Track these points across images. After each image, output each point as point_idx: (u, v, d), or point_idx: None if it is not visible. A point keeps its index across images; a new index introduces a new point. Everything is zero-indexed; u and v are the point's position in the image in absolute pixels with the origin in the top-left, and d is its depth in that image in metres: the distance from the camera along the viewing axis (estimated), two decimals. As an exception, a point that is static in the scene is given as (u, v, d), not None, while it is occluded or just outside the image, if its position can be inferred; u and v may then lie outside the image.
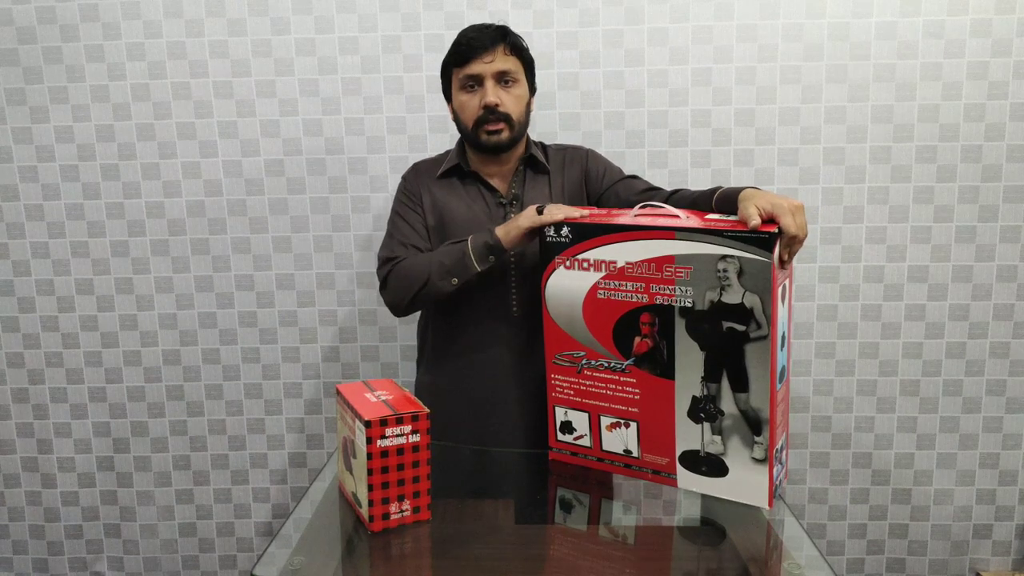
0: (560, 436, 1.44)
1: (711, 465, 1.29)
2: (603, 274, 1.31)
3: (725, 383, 1.24)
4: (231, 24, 1.98)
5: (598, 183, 1.64)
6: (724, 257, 1.20)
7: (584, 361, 1.37)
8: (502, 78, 1.53)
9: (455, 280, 1.49)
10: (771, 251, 1.16)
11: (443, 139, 2.02)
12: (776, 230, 1.18)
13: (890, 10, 1.92)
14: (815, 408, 2.11)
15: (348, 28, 1.98)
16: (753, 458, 1.25)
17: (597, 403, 1.37)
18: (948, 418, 2.10)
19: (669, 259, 1.25)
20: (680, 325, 1.26)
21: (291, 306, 2.12)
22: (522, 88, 1.57)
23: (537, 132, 2.00)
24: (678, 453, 1.32)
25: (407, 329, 2.11)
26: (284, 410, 2.17)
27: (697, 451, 1.30)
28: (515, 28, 1.93)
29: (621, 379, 1.34)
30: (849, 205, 2.01)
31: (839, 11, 1.93)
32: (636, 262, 1.28)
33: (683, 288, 1.24)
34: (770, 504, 1.26)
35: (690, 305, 1.24)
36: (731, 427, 1.25)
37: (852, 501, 2.15)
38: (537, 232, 1.41)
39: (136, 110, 2.02)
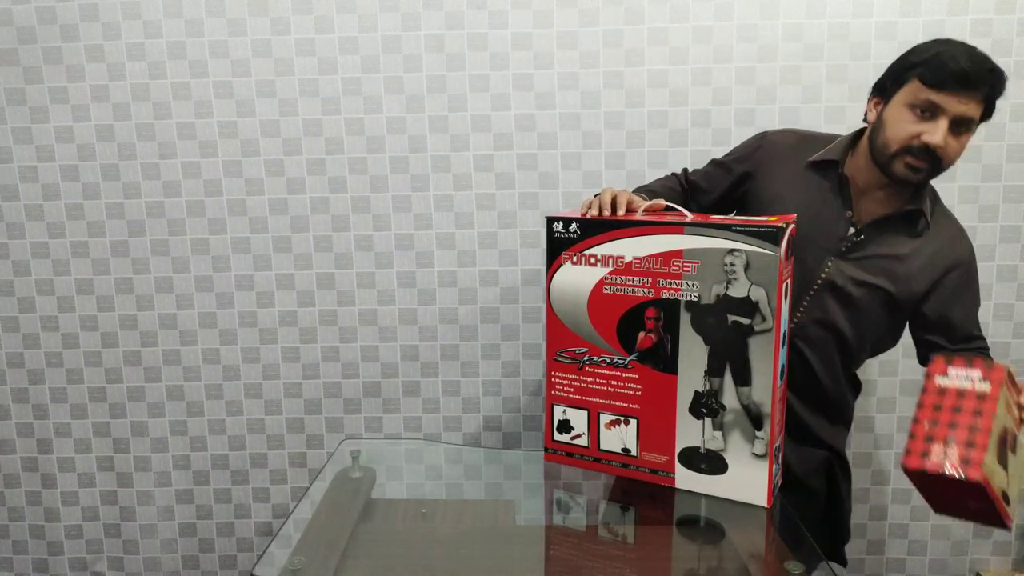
0: (557, 436, 1.44)
1: (710, 462, 1.29)
2: (610, 269, 1.32)
3: (728, 377, 1.24)
4: (231, 24, 1.98)
5: (929, 300, 1.45)
6: (732, 251, 1.20)
7: (586, 357, 1.37)
8: (959, 122, 1.31)
9: None
10: (778, 245, 1.17)
11: (443, 139, 2.02)
12: (783, 224, 1.18)
13: (890, 10, 1.92)
14: (815, 408, 2.10)
15: (348, 28, 1.98)
16: (754, 453, 1.25)
17: (597, 400, 1.37)
18: (948, 418, 2.09)
19: (677, 253, 1.25)
20: (685, 319, 1.26)
21: (291, 306, 2.11)
22: (969, 138, 1.35)
23: (537, 132, 2.00)
24: (677, 450, 1.32)
25: (407, 329, 2.11)
26: (284, 410, 2.16)
27: (697, 448, 1.30)
28: (515, 28, 1.95)
29: (623, 375, 1.34)
30: (849, 205, 2.01)
31: (839, 11, 1.93)
32: (644, 257, 1.28)
33: (690, 282, 1.25)
34: (769, 502, 1.26)
35: (696, 299, 1.25)
36: (732, 422, 1.26)
37: (852, 501, 2.14)
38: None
39: (136, 110, 2.02)
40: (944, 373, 1.14)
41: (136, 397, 2.16)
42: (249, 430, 2.17)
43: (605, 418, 1.38)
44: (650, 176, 1.96)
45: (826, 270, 1.44)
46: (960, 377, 1.13)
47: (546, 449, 1.46)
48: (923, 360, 1.50)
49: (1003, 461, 1.13)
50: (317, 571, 1.18)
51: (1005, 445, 1.14)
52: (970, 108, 1.29)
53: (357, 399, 2.16)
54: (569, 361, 1.39)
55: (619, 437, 1.37)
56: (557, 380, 1.42)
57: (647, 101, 1.99)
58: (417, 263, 2.08)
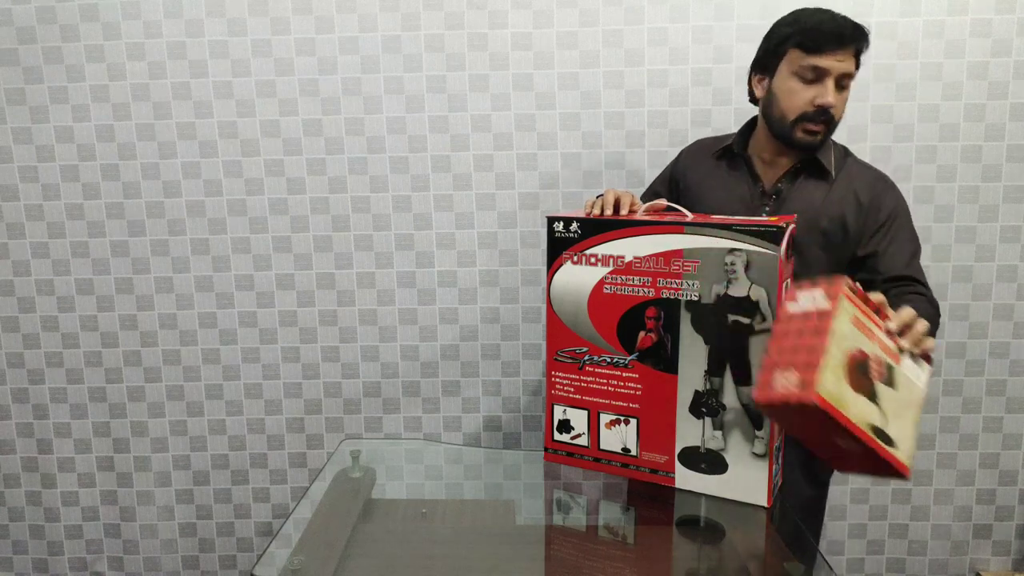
0: (557, 436, 1.44)
1: (710, 462, 1.29)
2: (610, 269, 1.32)
3: (728, 377, 1.24)
4: (231, 24, 1.98)
5: (861, 235, 1.49)
6: (732, 250, 1.20)
7: (586, 357, 1.37)
8: (841, 80, 1.40)
9: None
10: (779, 244, 1.17)
11: (443, 139, 2.02)
12: (784, 224, 1.18)
13: (890, 10, 1.92)
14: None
15: (348, 28, 1.98)
16: (754, 453, 1.25)
17: (597, 400, 1.37)
18: (948, 418, 2.10)
19: (677, 253, 1.25)
20: (685, 319, 1.26)
21: (291, 306, 2.11)
22: (849, 91, 1.45)
23: (537, 132, 2.00)
24: (677, 450, 1.32)
25: (407, 329, 2.11)
26: (284, 410, 2.16)
27: (697, 447, 1.30)
28: (515, 28, 1.95)
29: (623, 375, 1.34)
30: (849, 205, 2.01)
31: (839, 11, 1.92)
32: (644, 256, 1.28)
33: (690, 282, 1.25)
34: (769, 502, 1.26)
35: (696, 299, 1.25)
36: (732, 421, 1.26)
37: (852, 501, 2.15)
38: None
39: (136, 110, 2.02)
40: (793, 299, 1.08)
41: (136, 397, 2.16)
42: (249, 430, 2.17)
43: (605, 418, 1.38)
44: (650, 176, 1.96)
45: None
46: (805, 299, 1.07)
47: (546, 449, 1.46)
48: None
49: (867, 391, 1.02)
50: (317, 571, 1.17)
51: (866, 372, 1.03)
52: (848, 64, 1.39)
53: (357, 399, 2.16)
54: (569, 361, 1.39)
55: (619, 437, 1.37)
56: (557, 380, 1.42)
57: (647, 101, 1.99)
58: (417, 263, 2.08)
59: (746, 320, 1.21)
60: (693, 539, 1.30)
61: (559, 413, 1.43)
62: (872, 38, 1.91)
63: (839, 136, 1.97)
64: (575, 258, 1.35)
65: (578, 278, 1.35)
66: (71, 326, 2.13)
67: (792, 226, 1.24)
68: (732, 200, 1.52)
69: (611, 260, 1.31)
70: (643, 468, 1.36)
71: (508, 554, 1.25)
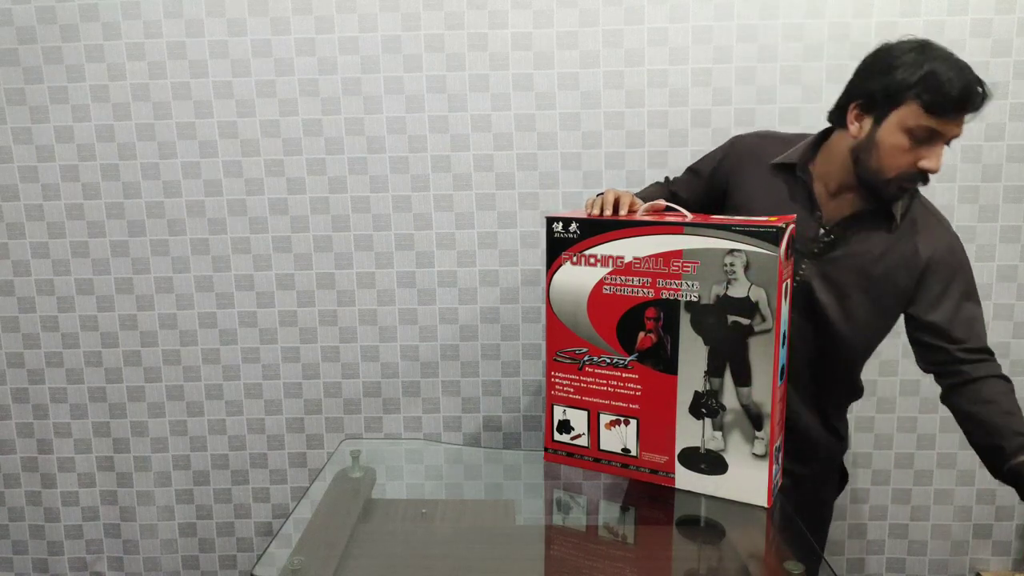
0: (557, 436, 1.44)
1: (710, 462, 1.29)
2: (610, 269, 1.32)
3: (728, 378, 1.24)
4: (231, 24, 1.98)
5: (916, 291, 1.41)
6: (732, 251, 1.20)
7: (586, 358, 1.37)
8: (948, 142, 1.29)
9: None
10: (778, 245, 1.17)
11: (443, 139, 2.02)
12: (783, 224, 1.18)
13: (890, 10, 1.92)
14: (815, 408, 2.10)
15: (348, 28, 1.98)
16: (754, 454, 1.25)
17: (597, 400, 1.37)
18: (948, 418, 2.08)
19: (677, 254, 1.25)
20: (685, 319, 1.26)
21: (291, 306, 2.11)
22: None
23: (537, 132, 2.00)
24: (677, 450, 1.32)
25: (407, 329, 2.11)
26: (284, 410, 2.17)
27: (697, 448, 1.30)
28: (515, 28, 1.95)
29: (623, 375, 1.34)
30: (849, 205, 2.01)
31: (839, 11, 1.93)
32: (643, 257, 1.28)
33: (689, 282, 1.25)
34: (769, 502, 1.26)
35: (696, 299, 1.25)
36: (732, 422, 1.26)
37: (852, 501, 2.15)
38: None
39: (136, 110, 2.02)
40: None
41: (136, 397, 2.16)
42: (249, 430, 2.17)
43: (605, 418, 1.38)
44: (650, 176, 1.96)
45: (800, 272, 1.42)
46: None
47: (546, 449, 1.46)
48: (922, 363, 1.47)
49: None
50: (317, 571, 1.17)
51: None
52: (962, 127, 1.28)
53: (357, 399, 2.16)
54: (569, 361, 1.39)
55: (619, 437, 1.37)
56: (557, 380, 1.42)
57: (647, 101, 1.99)
58: (417, 263, 2.08)
59: (746, 321, 1.21)
60: (693, 539, 1.30)
61: (559, 413, 1.43)
62: (872, 38, 1.92)
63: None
64: (574, 258, 1.35)
65: (577, 278, 1.35)
66: (71, 326, 2.13)
67: (792, 226, 1.24)
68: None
69: (610, 260, 1.31)
70: (643, 468, 1.36)
71: (508, 554, 1.25)
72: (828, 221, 1.41)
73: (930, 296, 1.39)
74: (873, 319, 1.44)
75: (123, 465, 2.20)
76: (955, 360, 1.39)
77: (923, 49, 1.27)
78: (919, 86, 1.24)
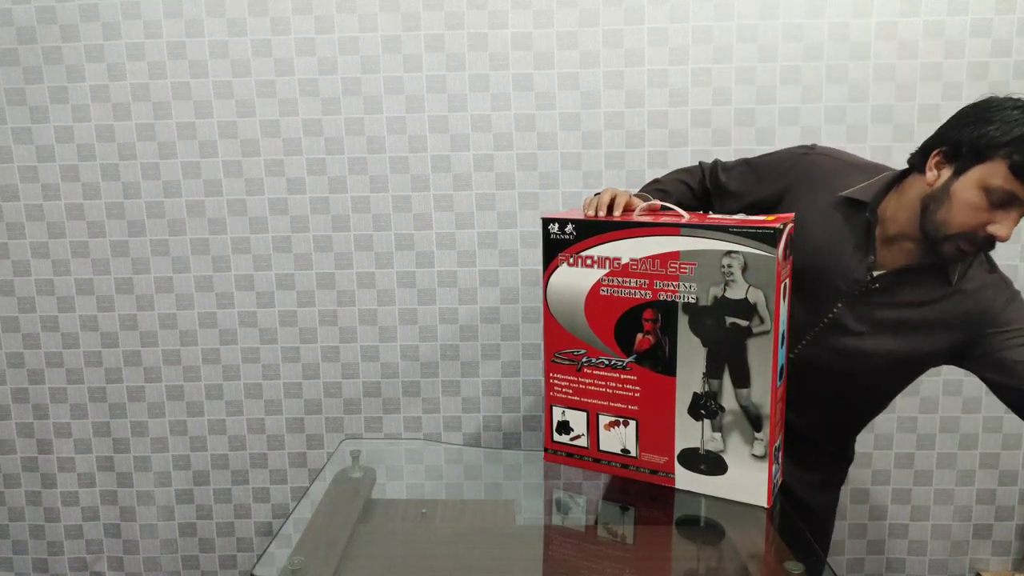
0: (556, 436, 1.44)
1: (710, 463, 1.29)
2: (607, 271, 1.31)
3: (727, 379, 1.24)
4: (231, 24, 1.98)
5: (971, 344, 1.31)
6: (729, 252, 1.20)
7: (584, 359, 1.37)
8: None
9: None
10: (775, 246, 1.17)
11: (443, 139, 2.02)
12: (780, 225, 1.18)
13: (890, 10, 1.92)
14: (815, 408, 2.10)
15: (348, 28, 1.98)
16: (753, 455, 1.25)
17: (596, 402, 1.37)
18: (948, 418, 2.10)
19: (674, 255, 1.25)
20: (683, 321, 1.26)
21: (291, 306, 2.11)
22: None
23: (537, 132, 2.00)
24: (677, 451, 1.32)
25: (407, 329, 2.11)
26: (284, 410, 2.17)
27: (696, 449, 1.30)
28: (515, 28, 1.95)
29: (621, 377, 1.34)
30: (849, 205, 2.01)
31: (839, 11, 1.93)
32: (640, 258, 1.28)
33: (687, 284, 1.25)
34: (769, 503, 1.26)
35: (694, 301, 1.25)
36: (731, 424, 1.25)
37: (852, 501, 2.15)
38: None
39: (136, 110, 2.02)
40: None
41: (136, 397, 2.17)
42: (249, 430, 2.18)
43: (604, 419, 1.38)
44: (650, 176, 1.96)
45: (835, 310, 1.36)
46: None
47: (546, 450, 1.46)
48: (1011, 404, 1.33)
49: None
50: (317, 571, 1.18)
51: None
52: None
53: (357, 399, 2.16)
54: (567, 363, 1.39)
55: (618, 438, 1.37)
56: (556, 381, 1.42)
57: (647, 101, 1.99)
58: (417, 263, 2.08)
59: (744, 322, 1.21)
60: (693, 539, 1.30)
61: (558, 414, 1.43)
62: (872, 38, 1.92)
63: (856, 144, 1.98)
64: (571, 260, 1.35)
65: (574, 280, 1.35)
66: (71, 326, 2.13)
67: (790, 226, 1.24)
68: (834, 262, 1.34)
69: (607, 262, 1.31)
70: (643, 469, 1.36)
71: (508, 554, 1.25)
72: (879, 267, 1.33)
73: (990, 343, 1.30)
74: (898, 363, 1.37)
75: (123, 465, 2.20)
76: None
77: (1018, 103, 1.18)
78: (1012, 145, 1.14)
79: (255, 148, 2.04)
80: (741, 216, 1.27)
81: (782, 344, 1.24)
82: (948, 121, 1.26)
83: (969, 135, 1.19)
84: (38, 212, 2.08)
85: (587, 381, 1.38)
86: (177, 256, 2.09)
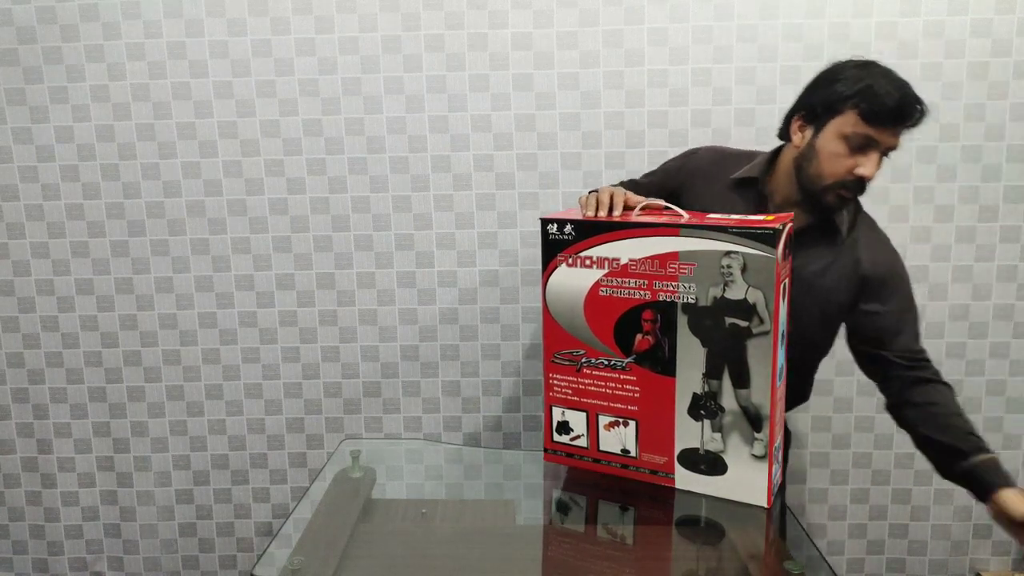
0: (556, 437, 1.44)
1: (710, 463, 1.29)
2: (606, 271, 1.31)
3: (726, 379, 1.24)
4: (231, 24, 1.98)
5: (857, 303, 1.47)
6: (728, 253, 1.20)
7: (584, 360, 1.37)
8: (886, 152, 1.36)
9: None
10: (775, 247, 1.16)
11: (443, 139, 2.02)
12: (780, 225, 1.18)
13: (890, 10, 1.92)
14: (815, 408, 2.10)
15: (348, 28, 1.98)
16: (753, 455, 1.25)
17: (596, 402, 1.37)
18: (948, 418, 2.09)
19: (673, 255, 1.25)
20: (682, 322, 1.26)
21: (291, 306, 2.11)
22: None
23: (537, 132, 2.00)
24: (677, 451, 1.32)
25: (407, 329, 2.11)
26: (284, 410, 2.17)
27: (696, 449, 1.30)
28: (515, 28, 1.95)
29: (621, 377, 1.34)
30: (849, 205, 2.01)
31: (839, 11, 1.93)
32: (640, 259, 1.28)
33: (686, 284, 1.25)
34: (769, 503, 1.26)
35: (693, 301, 1.25)
36: (731, 424, 1.25)
37: (852, 501, 2.15)
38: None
39: (136, 110, 2.02)
40: None
41: (136, 397, 2.17)
42: (249, 430, 2.18)
43: (604, 419, 1.38)
44: (650, 176, 1.96)
45: None
46: None
47: (546, 450, 1.46)
48: (866, 372, 1.53)
49: None
50: (317, 571, 1.18)
51: None
52: (898, 139, 1.34)
53: (357, 399, 2.16)
54: (567, 363, 1.39)
55: (618, 438, 1.37)
56: (555, 382, 1.42)
57: (647, 101, 1.99)
58: (417, 263, 2.08)
59: (743, 323, 1.21)
60: (693, 539, 1.30)
61: (558, 415, 1.43)
62: (872, 38, 1.92)
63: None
64: (570, 260, 1.35)
65: (573, 280, 1.35)
66: (71, 326, 2.13)
67: (789, 226, 1.24)
68: None
69: (606, 262, 1.31)
70: (643, 469, 1.36)
71: (508, 554, 1.25)
72: None
73: (870, 308, 1.46)
74: (817, 329, 1.50)
75: (123, 465, 2.20)
76: (897, 366, 1.44)
77: (865, 66, 1.35)
78: (858, 96, 1.31)
79: (255, 148, 2.04)
80: (740, 216, 1.27)
81: (782, 344, 1.24)
82: (801, 92, 1.44)
83: (821, 96, 1.37)
84: (38, 212, 2.08)
85: (586, 381, 1.38)
86: (177, 256, 2.09)
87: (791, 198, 1.44)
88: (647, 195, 1.55)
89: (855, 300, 1.46)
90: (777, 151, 1.50)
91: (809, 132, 1.39)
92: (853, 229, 1.46)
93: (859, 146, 1.33)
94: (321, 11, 1.97)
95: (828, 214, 1.42)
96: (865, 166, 1.33)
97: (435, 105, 2.00)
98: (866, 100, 1.31)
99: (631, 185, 1.67)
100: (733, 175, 1.50)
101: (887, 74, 1.34)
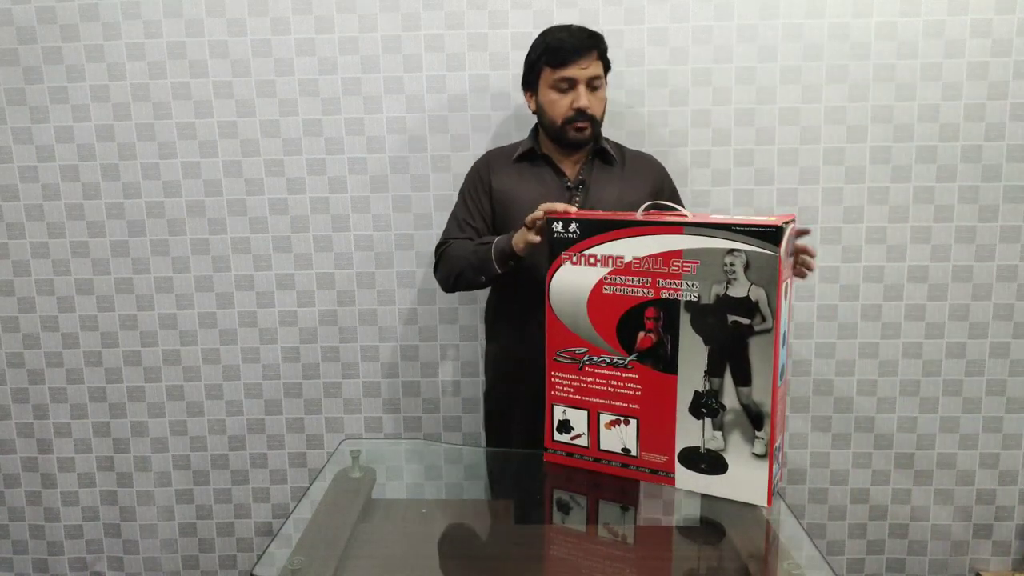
0: (557, 436, 1.44)
1: (711, 462, 1.29)
2: (609, 269, 1.32)
3: (728, 377, 1.24)
4: (231, 24, 1.98)
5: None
6: (731, 251, 1.20)
7: (586, 358, 1.37)
8: (591, 83, 1.64)
9: (483, 277, 1.63)
10: (778, 245, 1.17)
11: (443, 139, 2.02)
12: (783, 224, 1.18)
13: (890, 10, 1.92)
14: (815, 408, 2.11)
15: (348, 28, 1.98)
16: (754, 453, 1.25)
17: (597, 400, 1.37)
18: (948, 418, 2.10)
19: (676, 253, 1.25)
20: (685, 319, 1.26)
21: (291, 306, 2.11)
22: (604, 91, 1.70)
23: (537, 132, 2.00)
24: (677, 450, 1.32)
25: (407, 329, 2.11)
26: (284, 410, 2.17)
27: (697, 447, 1.30)
28: (515, 28, 1.95)
29: (623, 375, 1.34)
30: (849, 205, 2.01)
31: (839, 11, 1.93)
32: (643, 257, 1.28)
33: (689, 282, 1.25)
34: (769, 502, 1.26)
35: (696, 299, 1.25)
36: (732, 422, 1.25)
37: (852, 501, 2.15)
38: (544, 233, 1.40)
39: (136, 110, 2.02)
40: None
41: (136, 397, 2.16)
42: (249, 430, 2.17)
43: (605, 418, 1.37)
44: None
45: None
46: None
47: (546, 449, 1.46)
48: None
49: None
50: (317, 571, 1.17)
51: None
52: (593, 68, 1.64)
53: (357, 399, 2.16)
54: (569, 361, 1.39)
55: (619, 437, 1.37)
56: (557, 380, 1.42)
57: (647, 101, 1.99)
58: (417, 263, 2.08)
59: (746, 320, 1.21)
60: (693, 539, 1.30)
61: (559, 413, 1.43)
62: (872, 38, 1.92)
63: (856, 144, 1.98)
64: (574, 258, 1.35)
65: (577, 278, 1.35)
66: (71, 326, 2.13)
67: (792, 226, 1.24)
68: (548, 194, 1.68)
69: (610, 260, 1.31)
70: (643, 468, 1.36)
71: (508, 554, 1.25)
72: (570, 180, 1.72)
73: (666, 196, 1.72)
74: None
75: (123, 465, 2.20)
76: None
77: (544, 31, 1.68)
78: (545, 54, 1.64)
79: (255, 148, 2.04)
80: (744, 215, 1.27)
81: (784, 343, 1.24)
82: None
83: (526, 69, 1.71)
84: (38, 212, 2.08)
85: (588, 380, 1.38)
86: (177, 256, 2.09)
87: (554, 149, 1.73)
88: (483, 220, 1.77)
89: (649, 196, 1.64)
90: (534, 128, 1.78)
91: (532, 97, 1.72)
92: (623, 158, 1.77)
93: (566, 88, 1.64)
94: (321, 11, 1.97)
95: (579, 145, 1.69)
96: (578, 99, 1.63)
97: (435, 104, 2.01)
98: (547, 53, 1.64)
99: (473, 233, 1.75)
100: (515, 154, 1.76)
101: (561, 28, 1.67)
